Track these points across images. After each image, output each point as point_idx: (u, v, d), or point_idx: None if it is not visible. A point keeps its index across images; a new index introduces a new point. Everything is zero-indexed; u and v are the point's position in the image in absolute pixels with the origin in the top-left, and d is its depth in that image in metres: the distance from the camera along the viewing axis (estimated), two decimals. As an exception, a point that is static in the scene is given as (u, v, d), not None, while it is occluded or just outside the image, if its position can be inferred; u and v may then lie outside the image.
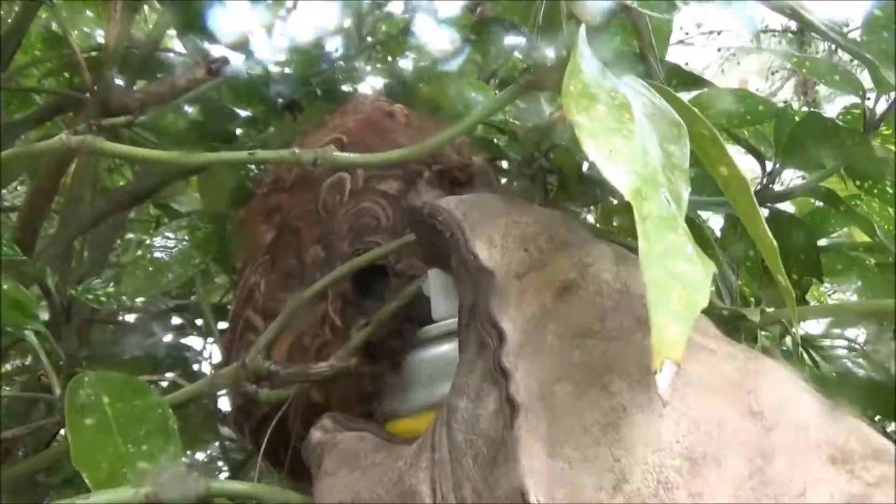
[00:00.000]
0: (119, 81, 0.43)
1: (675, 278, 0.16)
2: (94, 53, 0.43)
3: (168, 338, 0.52)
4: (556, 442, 0.17)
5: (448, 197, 0.27)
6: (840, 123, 0.31)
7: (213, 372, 0.45)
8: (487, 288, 0.21)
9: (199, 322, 0.55)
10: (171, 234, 0.38)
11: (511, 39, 0.51)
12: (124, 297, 0.38)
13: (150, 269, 0.36)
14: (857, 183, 0.35)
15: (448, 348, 0.26)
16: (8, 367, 0.52)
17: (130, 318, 0.58)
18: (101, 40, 0.58)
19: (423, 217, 0.26)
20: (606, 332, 0.19)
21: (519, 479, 0.16)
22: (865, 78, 0.34)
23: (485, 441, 0.18)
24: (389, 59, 0.66)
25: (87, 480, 0.23)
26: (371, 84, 0.59)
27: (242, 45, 0.48)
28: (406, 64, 0.65)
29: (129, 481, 0.23)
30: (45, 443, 0.40)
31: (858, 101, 0.31)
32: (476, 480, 0.18)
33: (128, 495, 0.22)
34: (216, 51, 0.45)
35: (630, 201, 0.17)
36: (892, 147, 0.31)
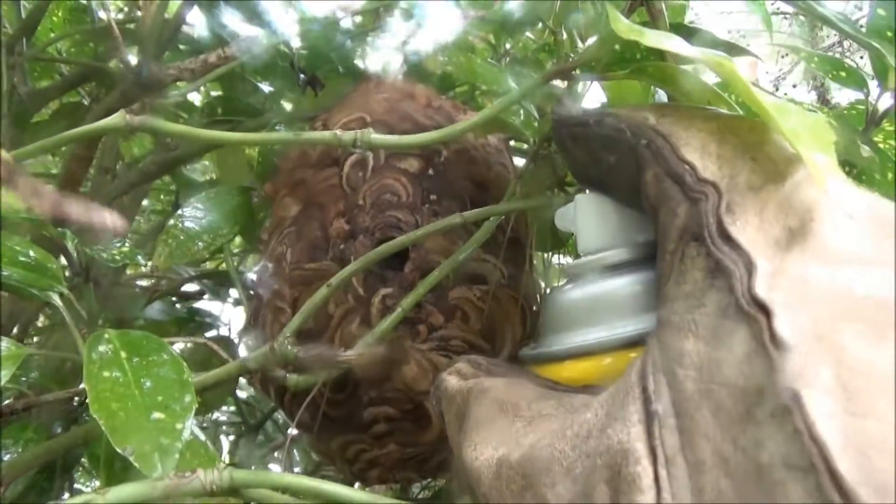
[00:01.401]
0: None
1: (797, 126, 0.16)
2: (129, 26, 0.44)
3: (189, 303, 0.54)
4: (854, 397, 0.13)
5: (616, 108, 0.23)
6: (834, 123, 0.33)
7: (241, 344, 0.47)
8: (714, 204, 0.18)
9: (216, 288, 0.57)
10: (200, 205, 0.40)
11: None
12: (140, 257, 0.39)
13: (182, 237, 0.38)
14: (847, 169, 0.37)
15: (603, 287, 0.22)
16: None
17: (144, 283, 0.60)
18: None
19: (589, 127, 0.22)
20: (883, 259, 0.16)
21: (817, 438, 0.13)
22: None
23: (730, 392, 0.15)
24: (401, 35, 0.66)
25: (103, 427, 0.24)
26: (379, 58, 0.60)
27: (264, 21, 0.49)
28: (418, 42, 0.66)
29: (144, 429, 0.24)
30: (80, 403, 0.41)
31: (863, 96, 0.33)
32: (719, 440, 0.14)
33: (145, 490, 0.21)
34: (238, 27, 0.46)
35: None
36: (893, 143, 0.33)
